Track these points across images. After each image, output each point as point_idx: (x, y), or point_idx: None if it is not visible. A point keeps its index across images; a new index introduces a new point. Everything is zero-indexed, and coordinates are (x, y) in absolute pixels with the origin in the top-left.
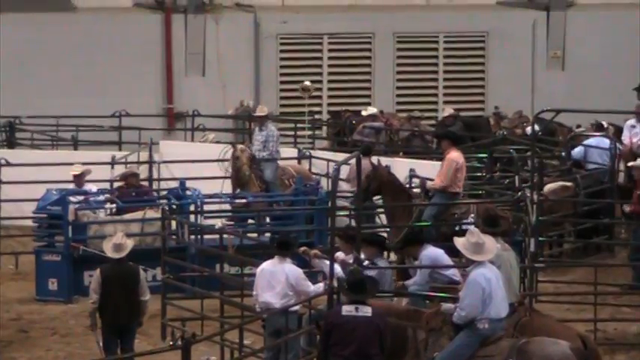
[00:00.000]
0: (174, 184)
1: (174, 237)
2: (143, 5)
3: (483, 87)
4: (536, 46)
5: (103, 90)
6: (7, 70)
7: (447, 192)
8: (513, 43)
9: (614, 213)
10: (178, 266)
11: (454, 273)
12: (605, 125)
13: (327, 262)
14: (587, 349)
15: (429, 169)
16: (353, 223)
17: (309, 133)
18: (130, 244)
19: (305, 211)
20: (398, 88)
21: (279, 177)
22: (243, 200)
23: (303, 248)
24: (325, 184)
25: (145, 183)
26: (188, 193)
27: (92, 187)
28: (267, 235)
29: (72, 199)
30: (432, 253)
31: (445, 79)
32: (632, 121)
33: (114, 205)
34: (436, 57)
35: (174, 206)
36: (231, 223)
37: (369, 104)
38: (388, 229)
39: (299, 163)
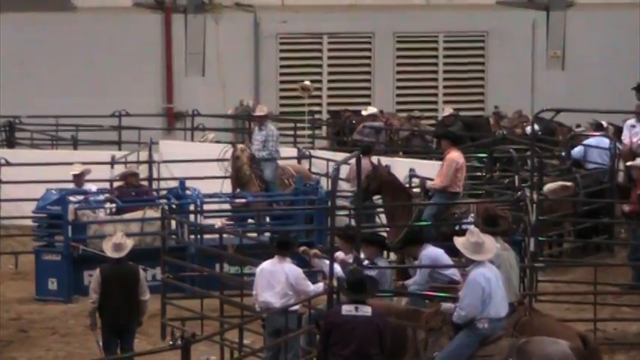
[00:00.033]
0: (173, 184)
1: (173, 237)
2: (143, 5)
3: (483, 87)
4: (535, 46)
5: (102, 90)
6: (6, 69)
7: (446, 192)
8: (513, 43)
9: (613, 213)
10: (178, 266)
11: (454, 273)
12: (605, 125)
13: (327, 262)
14: (588, 348)
15: (429, 169)
16: (353, 222)
17: (309, 132)
18: (129, 243)
19: (305, 211)
20: (398, 87)
21: (279, 177)
22: (243, 200)
23: (302, 248)
24: (325, 183)
25: (145, 183)
26: (188, 192)
27: (92, 187)
28: (267, 234)
29: (72, 198)
30: (432, 252)
31: (445, 79)
32: (632, 121)
33: (114, 205)
34: (436, 57)
35: (173, 206)
36: (231, 222)
37: (368, 104)
38: (388, 229)
39: (299, 162)
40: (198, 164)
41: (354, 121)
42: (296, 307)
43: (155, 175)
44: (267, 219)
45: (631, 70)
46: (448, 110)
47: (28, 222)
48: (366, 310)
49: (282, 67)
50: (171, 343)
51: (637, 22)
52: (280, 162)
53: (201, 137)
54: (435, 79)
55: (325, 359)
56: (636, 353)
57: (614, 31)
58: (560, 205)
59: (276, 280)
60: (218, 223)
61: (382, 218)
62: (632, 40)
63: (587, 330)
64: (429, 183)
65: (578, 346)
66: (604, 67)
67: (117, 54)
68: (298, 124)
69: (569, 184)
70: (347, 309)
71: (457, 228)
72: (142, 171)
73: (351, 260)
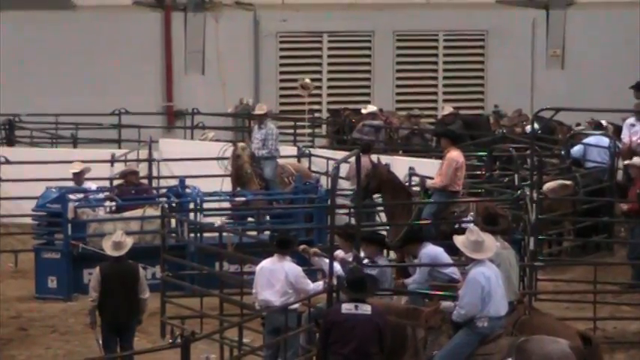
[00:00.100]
0: (173, 182)
1: (173, 235)
2: (143, 3)
3: (483, 85)
4: (535, 45)
5: (102, 88)
6: (6, 68)
7: (446, 191)
8: (513, 42)
9: (613, 212)
10: (178, 264)
11: (454, 271)
12: (605, 124)
13: (327, 261)
14: (590, 347)
15: (429, 168)
16: (352, 221)
17: (309, 131)
18: (129, 242)
19: (304, 209)
20: (397, 86)
21: (279, 175)
22: (243, 198)
23: (302, 246)
24: (325, 182)
25: (145, 181)
26: (187, 191)
27: (92, 185)
28: (267, 233)
29: (71, 197)
30: (432, 251)
31: (445, 78)
32: (631, 120)
33: (113, 203)
34: (436, 55)
35: (173, 204)
36: (231, 221)
37: (368, 102)
38: (388, 228)
39: (298, 161)
40: (198, 163)
41: (353, 120)
42: (296, 306)
43: (155, 174)
44: (267, 217)
45: (631, 69)
46: (448, 109)
47: (28, 220)
48: (366, 309)
49: (281, 65)
50: (170, 341)
51: (637, 21)
52: (280, 160)
53: (201, 136)
54: (435, 78)
55: (325, 358)
56: (636, 352)
57: (614, 30)
58: (560, 203)
59: (275, 278)
60: (218, 221)
61: (382, 217)
62: (632, 39)
63: (586, 329)
64: (428, 182)
65: (577, 345)
66: (604, 66)
67: (117, 52)
68: (298, 123)
69: (568, 182)
70: (347, 307)
71: (457, 227)
72: (142, 169)
73: (350, 259)
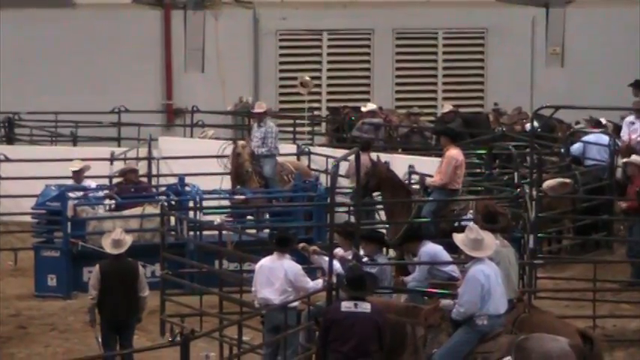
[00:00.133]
0: (173, 180)
1: (173, 233)
2: (142, 1)
3: (482, 83)
4: (535, 43)
5: (102, 86)
6: (6, 66)
7: (446, 189)
8: (512, 40)
9: (613, 209)
10: (177, 262)
11: (453, 269)
12: (604, 122)
13: (326, 259)
14: (592, 344)
15: (429, 166)
16: (352, 219)
17: (309, 129)
18: (129, 240)
19: (304, 208)
20: (397, 84)
21: (278, 173)
22: (242, 196)
23: (302, 244)
24: (324, 180)
25: (144, 179)
26: (187, 189)
27: (91, 183)
28: (266, 231)
29: (71, 195)
30: (431, 249)
31: (444, 76)
32: (631, 118)
33: (113, 201)
34: (435, 53)
35: (173, 202)
36: (230, 219)
37: (368, 100)
38: (387, 226)
39: (298, 159)
40: (198, 161)
41: (352, 118)
42: (295, 304)
43: (154, 172)
44: (267, 215)
45: (630, 67)
46: (447, 107)
47: (28, 218)
48: (366, 307)
49: (281, 63)
50: (170, 339)
51: (636, 19)
52: (279, 158)
53: (201, 134)
54: (435, 76)
55: (324, 356)
56: (635, 350)
57: (614, 28)
58: (560, 201)
59: (275, 276)
60: (217, 219)
61: (381, 215)
62: (632, 37)
63: (586, 327)
64: (428, 180)
65: (577, 343)
66: (603, 64)
67: (116, 50)
68: (297, 121)
69: (568, 180)
70: (346, 305)
71: (456, 225)
72: (142, 167)
73: (350, 257)
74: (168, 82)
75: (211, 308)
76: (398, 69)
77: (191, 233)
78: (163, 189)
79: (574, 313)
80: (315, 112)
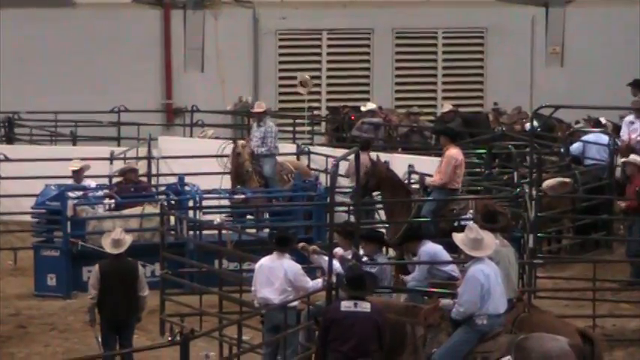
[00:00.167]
0: (173, 180)
1: (172, 232)
2: (142, 1)
3: (482, 83)
4: (535, 43)
5: (101, 85)
6: (6, 65)
7: (445, 188)
8: (512, 39)
9: (612, 209)
10: (177, 262)
11: (453, 269)
12: (604, 122)
13: (326, 258)
14: (592, 344)
15: (428, 165)
16: (352, 218)
17: (308, 128)
18: (128, 239)
19: (304, 207)
20: (397, 84)
21: (278, 173)
22: (242, 196)
23: (301, 244)
24: (324, 179)
25: (144, 179)
26: (187, 188)
27: (91, 183)
28: (266, 230)
29: (71, 194)
30: (431, 249)
31: (444, 75)
32: (630, 117)
33: (113, 201)
34: (435, 53)
35: (172, 202)
36: (230, 218)
37: (367, 100)
38: (387, 225)
39: (298, 158)
40: (197, 160)
41: (352, 117)
42: (295, 303)
43: (154, 171)
44: (266, 215)
45: (630, 67)
46: (447, 106)
47: (27, 218)
48: (365, 307)
49: (281, 63)
50: (170, 339)
51: (636, 19)
52: (279, 158)
53: (201, 133)
54: (434, 76)
55: (324, 355)
56: (635, 349)
57: (614, 28)
58: (559, 201)
59: (275, 276)
60: (217, 219)
61: (381, 214)
62: (632, 37)
63: (585, 326)
64: (428, 180)
65: (577, 342)
66: (603, 63)
67: (116, 50)
68: (297, 120)
69: (567, 180)
70: (346, 305)
71: (456, 224)
72: (141, 167)
73: (350, 256)
74: (167, 82)
75: (211, 308)
76: (397, 68)
77: (191, 233)
78: (163, 188)
79: (574, 313)
80: (315, 112)
